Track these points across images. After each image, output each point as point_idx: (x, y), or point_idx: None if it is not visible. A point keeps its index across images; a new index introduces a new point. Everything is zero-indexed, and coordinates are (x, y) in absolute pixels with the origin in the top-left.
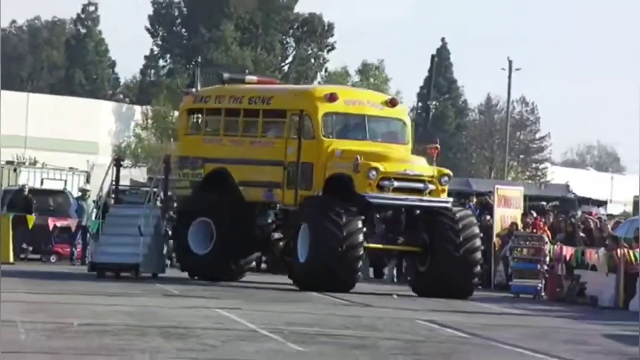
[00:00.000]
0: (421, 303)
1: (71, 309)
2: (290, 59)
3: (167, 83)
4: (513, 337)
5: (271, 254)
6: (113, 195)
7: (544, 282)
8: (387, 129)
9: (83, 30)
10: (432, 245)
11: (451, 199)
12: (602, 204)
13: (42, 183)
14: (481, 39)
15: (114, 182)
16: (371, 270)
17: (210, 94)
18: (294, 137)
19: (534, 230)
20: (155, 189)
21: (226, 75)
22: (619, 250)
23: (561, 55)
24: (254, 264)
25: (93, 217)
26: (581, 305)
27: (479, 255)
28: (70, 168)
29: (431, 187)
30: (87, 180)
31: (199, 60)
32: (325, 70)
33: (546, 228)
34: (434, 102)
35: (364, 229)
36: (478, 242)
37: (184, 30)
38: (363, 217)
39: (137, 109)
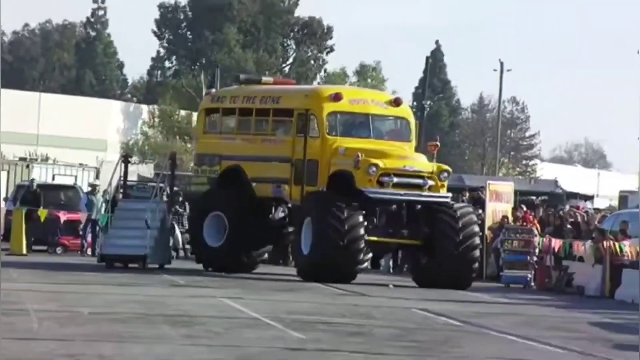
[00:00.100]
0: (416, 292)
1: (82, 298)
2: (290, 60)
3: (172, 83)
4: (504, 324)
5: (282, 247)
6: (121, 190)
7: (533, 272)
8: (390, 128)
9: (93, 33)
10: (433, 240)
11: (450, 195)
12: (588, 198)
13: (53, 178)
14: (474, 41)
15: (122, 178)
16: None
17: (226, 94)
18: (300, 136)
19: (524, 224)
20: (161, 184)
21: (242, 76)
22: (604, 243)
23: (551, 57)
24: (266, 256)
25: (102, 211)
26: (569, 294)
27: (477, 253)
28: (80, 164)
29: (430, 182)
30: (97, 176)
31: (204, 61)
32: (325, 71)
33: (536, 221)
34: (428, 102)
35: (365, 223)
36: (477, 240)
37: (189, 33)
38: (364, 212)
39: (144, 108)
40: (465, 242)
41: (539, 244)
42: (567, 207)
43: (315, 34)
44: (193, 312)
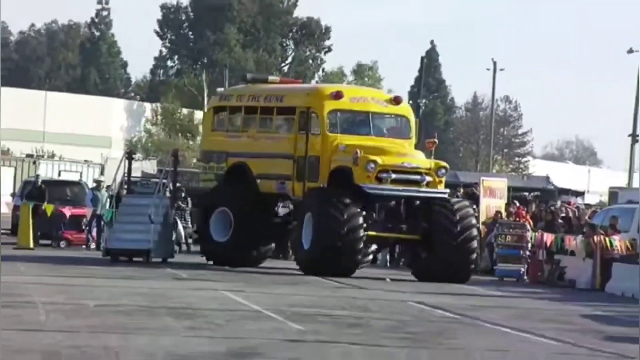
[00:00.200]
0: (412, 286)
1: (88, 290)
2: (289, 60)
3: (175, 82)
4: (498, 317)
5: (286, 242)
6: (125, 186)
7: (526, 266)
8: (391, 125)
9: (97, 33)
10: (431, 234)
11: (448, 190)
12: (579, 194)
13: (59, 175)
14: (467, 41)
15: (126, 174)
16: None
17: (232, 93)
18: (302, 133)
19: (517, 219)
20: (164, 180)
21: (249, 75)
22: (595, 237)
23: (542, 57)
24: (271, 251)
25: (107, 206)
26: (561, 287)
27: (475, 244)
28: (86, 161)
29: (428, 179)
30: (102, 172)
31: (205, 61)
32: (323, 71)
33: (528, 217)
34: (423, 100)
35: (364, 219)
36: (474, 231)
37: (190, 33)
38: (363, 207)
39: (147, 106)
40: (463, 234)
41: (531, 238)
42: (559, 202)
43: (313, 34)
44: (195, 304)
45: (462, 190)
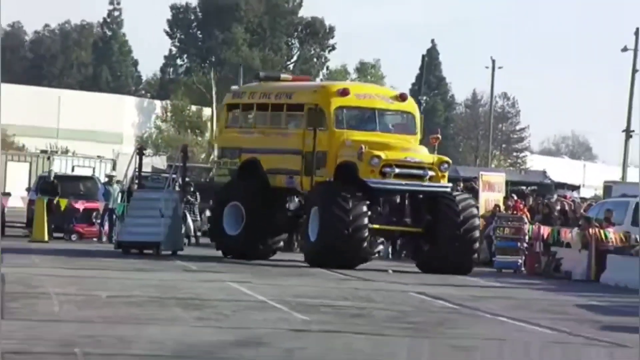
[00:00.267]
0: (413, 277)
1: (100, 282)
2: (294, 58)
3: (184, 80)
4: (496, 307)
5: (296, 235)
6: (136, 181)
7: (523, 258)
8: (396, 121)
9: (109, 33)
10: (435, 226)
11: (450, 184)
12: (575, 188)
13: (73, 170)
14: (467, 40)
15: (137, 169)
16: None
17: (245, 91)
18: (310, 129)
19: (515, 212)
20: (174, 175)
21: (262, 73)
22: (590, 230)
23: (540, 55)
24: (282, 244)
25: (119, 200)
26: (557, 278)
27: (477, 234)
28: (98, 156)
29: (431, 173)
30: (113, 167)
31: (213, 59)
32: (327, 69)
33: (526, 210)
34: (424, 97)
35: (369, 212)
36: (476, 222)
37: (199, 32)
38: (368, 201)
39: (158, 103)
40: (465, 224)
41: (528, 231)
42: (555, 196)
43: (317, 34)
44: (204, 295)
45: (462, 184)
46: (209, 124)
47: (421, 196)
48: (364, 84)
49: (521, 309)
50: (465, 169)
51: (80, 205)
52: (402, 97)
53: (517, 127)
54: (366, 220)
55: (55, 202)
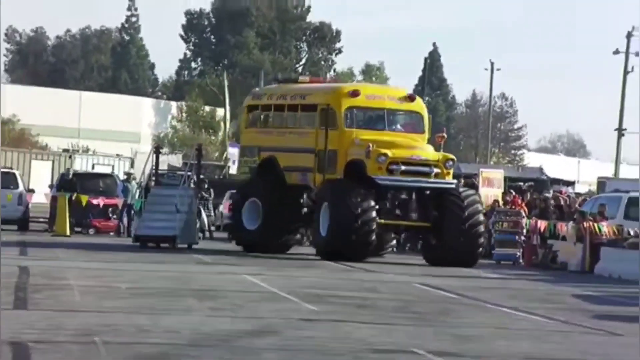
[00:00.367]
0: (416, 269)
1: (119, 274)
2: (303, 61)
3: (198, 82)
4: (496, 297)
5: (306, 230)
6: (153, 178)
7: (521, 250)
8: (405, 121)
9: (127, 38)
10: (441, 221)
11: (455, 181)
12: (570, 184)
13: (93, 167)
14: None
15: (154, 167)
16: None
17: (264, 93)
18: (323, 128)
19: (513, 207)
20: (189, 173)
21: (281, 75)
22: (585, 223)
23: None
24: (298, 236)
25: (137, 197)
26: (553, 270)
27: (482, 228)
28: (117, 155)
29: (436, 170)
30: (132, 165)
31: (226, 62)
32: (334, 71)
33: (523, 205)
34: (426, 98)
35: (376, 206)
36: (481, 217)
37: (212, 37)
38: (375, 197)
39: (173, 104)
40: (470, 219)
41: (526, 225)
42: (551, 191)
43: (325, 37)
44: (218, 287)
45: (462, 180)
46: (221, 123)
47: (428, 192)
48: (375, 85)
49: (519, 298)
50: (465, 166)
51: (100, 202)
52: (410, 98)
53: (515, 126)
54: (374, 214)
55: (73, 198)
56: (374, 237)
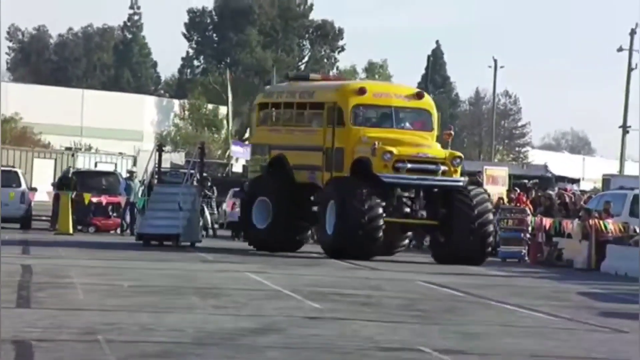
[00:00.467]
0: (421, 267)
1: (122, 272)
2: (306, 59)
3: (200, 80)
4: (501, 294)
5: (311, 228)
6: (156, 176)
7: (526, 248)
8: (413, 118)
9: (129, 36)
10: (450, 219)
11: (462, 179)
12: (575, 181)
13: (96, 166)
14: (470, 41)
15: (157, 165)
16: None
17: (274, 91)
18: (330, 126)
19: (518, 204)
20: (192, 171)
21: (292, 73)
22: (590, 221)
23: (540, 54)
24: (309, 233)
25: (139, 195)
26: (559, 267)
27: (491, 227)
28: (120, 153)
29: (443, 168)
30: (134, 163)
31: (228, 60)
32: (337, 69)
33: (528, 202)
34: (430, 95)
35: (383, 203)
36: (490, 216)
37: (215, 35)
38: (382, 195)
39: (176, 102)
40: (480, 218)
41: (531, 222)
42: (556, 189)
43: (328, 35)
44: (221, 285)
45: (467, 178)
46: (224, 121)
47: (436, 190)
48: (382, 83)
49: (525, 296)
50: (469, 163)
51: (102, 200)
52: (419, 95)
53: (519, 124)
54: (380, 210)
55: (73, 196)
56: (381, 234)
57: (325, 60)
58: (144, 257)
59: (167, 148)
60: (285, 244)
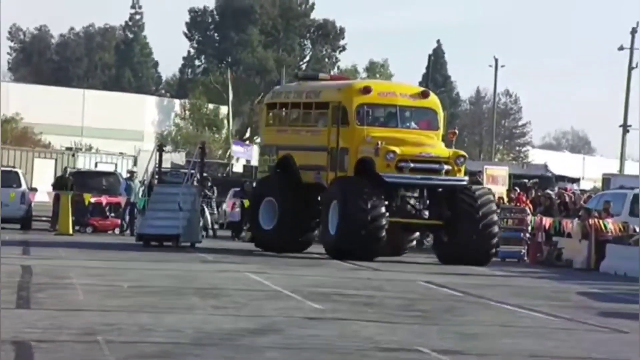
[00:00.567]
0: (421, 267)
1: (122, 273)
2: (307, 58)
3: (202, 80)
4: (500, 294)
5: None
6: (157, 176)
7: (526, 248)
8: (418, 117)
9: (130, 36)
10: (454, 219)
11: (466, 178)
12: (575, 181)
13: (96, 166)
14: (471, 40)
15: (157, 165)
16: None
17: (282, 91)
18: (334, 126)
19: (518, 204)
20: (192, 171)
21: (301, 73)
22: (590, 220)
23: (540, 54)
24: (316, 232)
25: (140, 195)
26: (558, 267)
27: (496, 229)
28: (120, 153)
29: (447, 167)
30: (135, 163)
31: (229, 60)
32: (338, 68)
33: (528, 202)
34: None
35: (386, 202)
36: (495, 217)
37: (216, 34)
38: (385, 195)
39: (177, 102)
40: (484, 219)
41: (531, 222)
42: (556, 188)
43: (329, 35)
44: (221, 285)
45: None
46: (225, 121)
47: (440, 190)
48: (387, 82)
49: (524, 296)
50: (470, 163)
51: (102, 200)
52: (424, 94)
53: (519, 123)
54: (383, 209)
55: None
56: (384, 233)
57: (326, 59)
58: (143, 258)
59: (168, 148)
60: (292, 245)
